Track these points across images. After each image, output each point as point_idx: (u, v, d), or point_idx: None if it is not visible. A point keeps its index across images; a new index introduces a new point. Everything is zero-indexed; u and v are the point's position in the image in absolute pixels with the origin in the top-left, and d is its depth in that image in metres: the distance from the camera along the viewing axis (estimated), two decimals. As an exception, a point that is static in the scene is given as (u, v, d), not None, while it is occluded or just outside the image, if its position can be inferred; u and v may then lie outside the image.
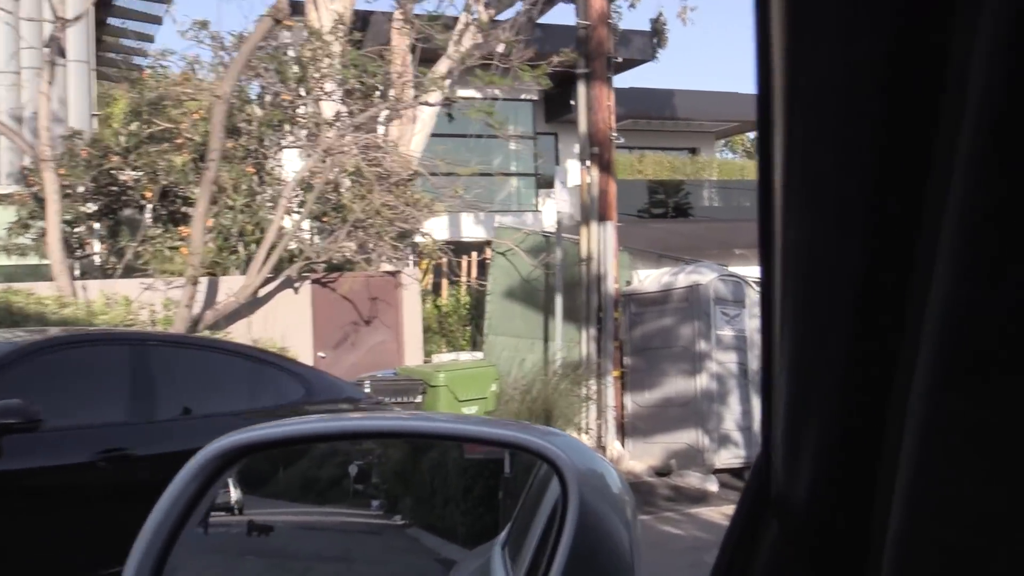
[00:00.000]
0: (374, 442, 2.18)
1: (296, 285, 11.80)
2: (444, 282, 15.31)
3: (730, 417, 12.50)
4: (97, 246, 13.79)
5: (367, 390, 10.30)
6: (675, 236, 22.87)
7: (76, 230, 13.19)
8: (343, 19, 15.98)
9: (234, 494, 2.03)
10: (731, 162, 27.41)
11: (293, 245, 12.08)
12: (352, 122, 13.14)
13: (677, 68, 69.76)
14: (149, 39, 18.86)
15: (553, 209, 12.73)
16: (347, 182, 12.87)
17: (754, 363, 12.90)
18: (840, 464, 0.64)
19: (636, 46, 24.10)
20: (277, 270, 11.68)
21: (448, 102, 17.05)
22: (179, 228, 13.10)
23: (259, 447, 1.63)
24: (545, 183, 24.00)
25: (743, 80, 77.50)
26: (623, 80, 26.42)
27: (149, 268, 11.78)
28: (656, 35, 20.34)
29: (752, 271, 18.91)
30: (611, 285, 12.71)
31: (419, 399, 10.41)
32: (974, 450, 0.51)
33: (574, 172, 27.00)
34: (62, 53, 13.79)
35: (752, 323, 12.95)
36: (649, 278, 13.21)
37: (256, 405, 6.51)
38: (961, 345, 0.50)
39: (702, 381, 12.38)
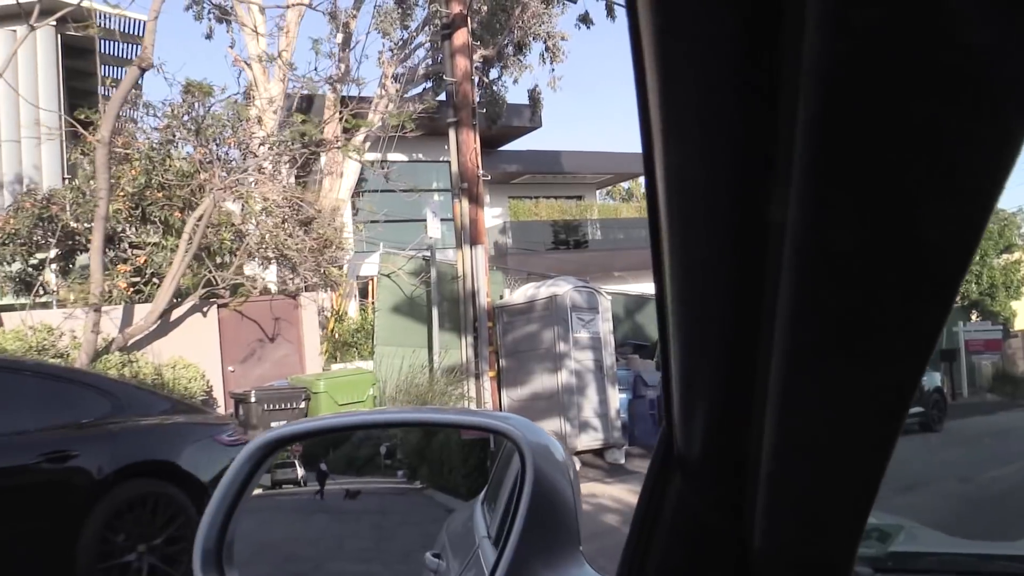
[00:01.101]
0: (391, 428, 2.19)
1: (204, 310, 10.00)
2: (356, 303, 13.64)
3: (588, 406, 10.83)
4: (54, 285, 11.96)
5: (253, 399, 8.58)
6: (569, 263, 21.44)
7: (37, 271, 11.51)
8: (274, 100, 14.48)
9: (299, 471, 2.15)
10: (608, 205, 26.04)
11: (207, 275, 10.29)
12: (268, 174, 11.53)
13: (566, 131, 68.96)
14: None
15: (435, 232, 11.05)
16: (268, 222, 11.29)
17: (608, 360, 11.28)
18: (722, 427, 0.65)
19: (525, 116, 22.72)
20: (199, 297, 9.99)
21: (381, 163, 15.76)
22: (118, 267, 11.37)
23: (292, 439, 1.55)
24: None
25: (617, 140, 77.80)
26: (521, 144, 25.13)
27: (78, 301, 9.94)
28: (533, 103, 18.79)
29: (628, 288, 17.81)
30: (483, 299, 11.06)
31: (303, 405, 8.71)
32: (816, 410, 0.54)
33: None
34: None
35: (605, 326, 11.31)
36: (517, 292, 11.59)
37: (47, 423, 4.80)
38: (801, 336, 0.52)
39: (563, 377, 10.71)
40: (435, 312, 10.41)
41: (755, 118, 0.48)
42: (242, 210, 10.40)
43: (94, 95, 15.49)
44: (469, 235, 11.04)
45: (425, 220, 19.87)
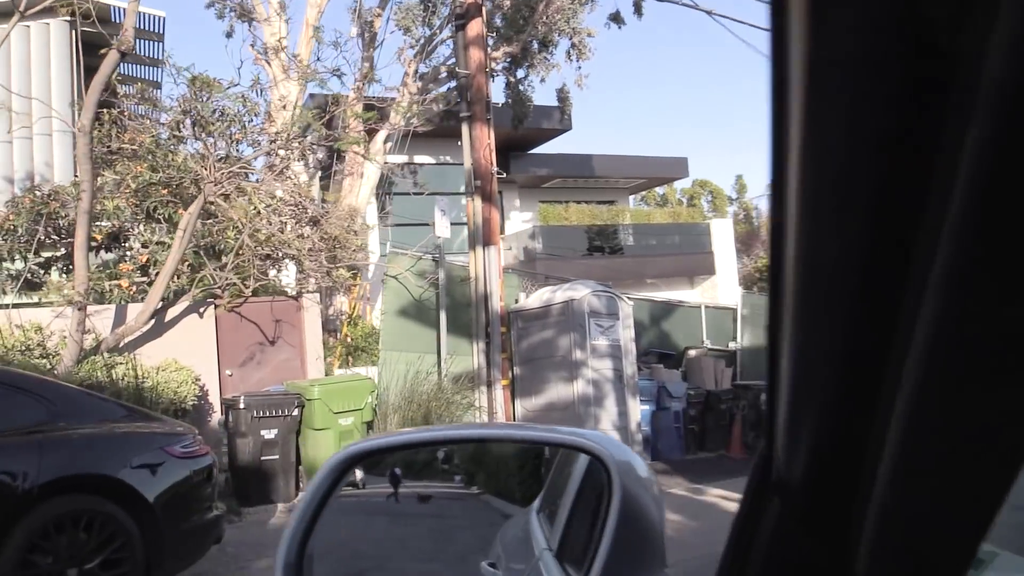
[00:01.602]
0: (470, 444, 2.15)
1: (201, 310, 9.48)
2: (369, 307, 13.08)
3: (606, 418, 10.09)
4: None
5: (242, 405, 8.02)
6: (601, 269, 20.77)
7: (44, 271, 11.14)
8: (284, 98, 14.01)
9: (359, 474, 2.00)
10: (641, 210, 25.19)
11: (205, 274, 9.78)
12: (276, 171, 11.04)
13: (597, 134, 68.47)
14: (156, 86, 16.50)
15: (444, 231, 10.43)
16: (275, 220, 10.79)
17: (629, 369, 10.54)
18: (832, 451, 0.61)
19: (555, 118, 22.07)
20: (194, 297, 9.48)
21: (406, 165, 15.17)
22: (120, 265, 10.96)
23: (371, 453, 1.60)
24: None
25: (649, 143, 77.26)
26: (551, 147, 24.54)
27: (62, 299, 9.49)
28: (562, 103, 18.10)
29: (656, 295, 16.98)
30: (496, 303, 10.42)
31: (295, 412, 8.12)
32: (944, 438, 0.51)
33: (516, 219, 25.07)
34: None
35: (626, 333, 10.59)
36: (533, 296, 10.91)
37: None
38: (942, 363, 0.48)
39: (579, 386, 10.01)
40: (443, 316, 9.79)
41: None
42: (249, 207, 9.87)
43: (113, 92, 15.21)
44: (482, 235, 10.41)
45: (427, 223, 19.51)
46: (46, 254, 11.27)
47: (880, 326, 0.51)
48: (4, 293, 10.61)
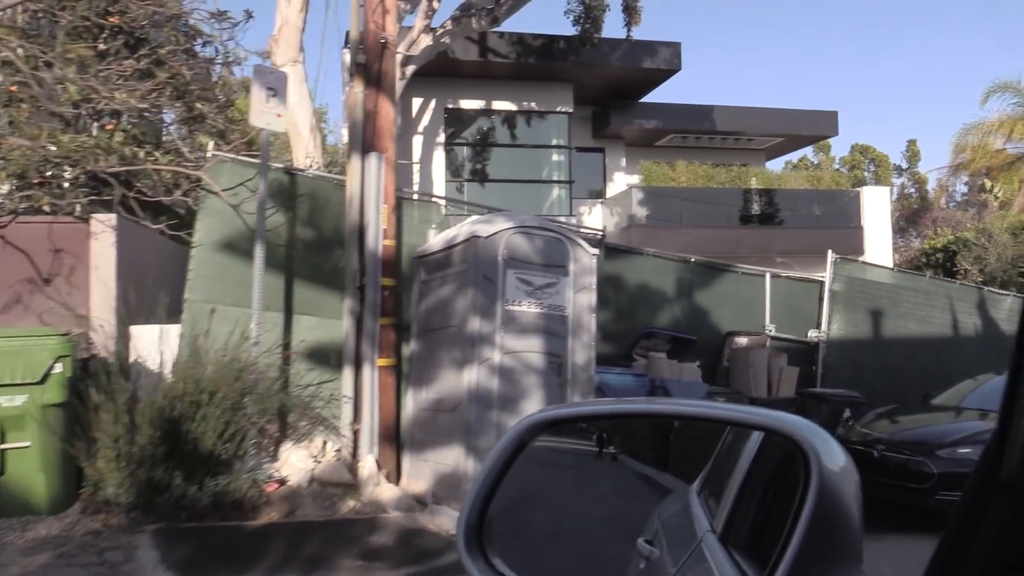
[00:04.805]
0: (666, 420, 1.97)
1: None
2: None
3: (523, 431, 6.06)
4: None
5: None
6: (712, 241, 16.50)
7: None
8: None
9: None
10: (767, 171, 20.02)
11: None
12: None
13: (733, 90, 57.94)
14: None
15: (265, 118, 6.70)
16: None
17: (579, 355, 6.43)
18: None
19: (661, 57, 17.63)
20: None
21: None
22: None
23: (557, 422, 1.52)
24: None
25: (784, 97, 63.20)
26: (665, 97, 20.06)
27: None
28: (628, 12, 13.75)
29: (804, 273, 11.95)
30: (377, 241, 6.64)
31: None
32: None
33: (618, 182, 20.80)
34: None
35: (580, 299, 6.47)
36: (446, 232, 6.98)
37: None
38: None
39: (476, 376, 6.03)
40: (259, 252, 6.14)
41: None
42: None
43: None
44: (362, 137, 6.67)
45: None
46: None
47: None
48: None
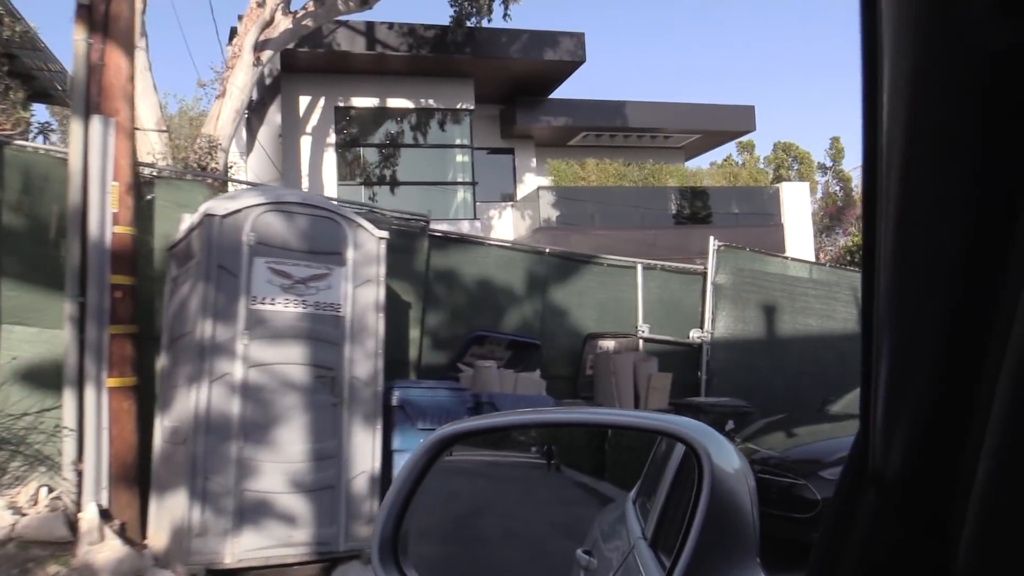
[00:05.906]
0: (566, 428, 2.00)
1: None
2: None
3: (274, 470, 4.68)
4: None
5: None
6: (630, 243, 15.31)
7: None
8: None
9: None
10: (682, 168, 18.90)
11: None
12: None
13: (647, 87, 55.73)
14: None
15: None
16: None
17: (362, 366, 5.01)
18: (932, 440, 0.55)
19: (564, 47, 16.47)
20: None
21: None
22: None
23: (467, 435, 1.52)
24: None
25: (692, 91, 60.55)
26: (570, 92, 18.85)
27: None
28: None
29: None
30: (103, 227, 5.18)
31: None
32: None
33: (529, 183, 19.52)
34: None
35: (364, 295, 5.05)
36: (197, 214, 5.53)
37: None
38: None
39: (203, 397, 4.58)
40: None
41: None
42: None
43: None
44: (86, 95, 5.20)
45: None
46: None
47: (982, 313, 0.47)
48: None
